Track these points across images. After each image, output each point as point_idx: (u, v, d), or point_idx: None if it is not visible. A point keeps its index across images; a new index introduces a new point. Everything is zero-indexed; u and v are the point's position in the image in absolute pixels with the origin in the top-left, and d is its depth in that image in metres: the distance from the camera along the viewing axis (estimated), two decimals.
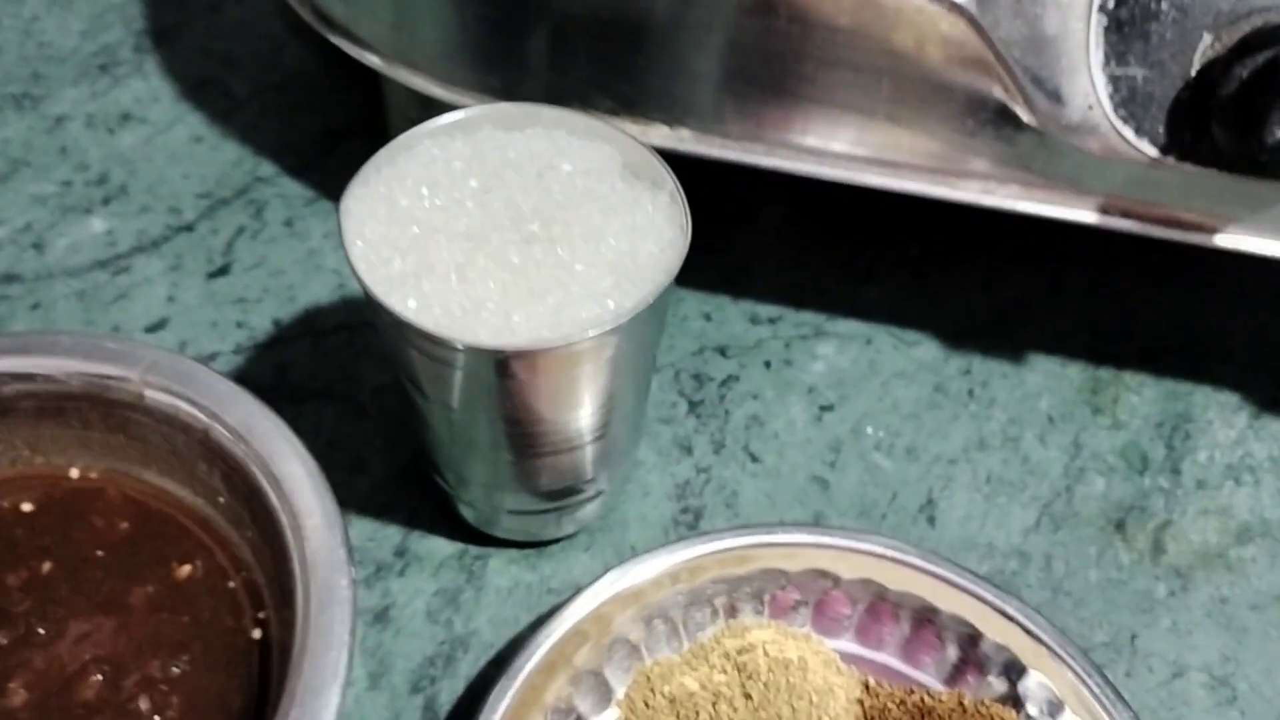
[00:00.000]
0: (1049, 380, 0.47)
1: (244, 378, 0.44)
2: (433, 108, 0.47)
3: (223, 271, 0.49)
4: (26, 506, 0.39)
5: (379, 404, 0.46)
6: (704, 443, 0.45)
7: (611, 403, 0.37)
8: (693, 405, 0.46)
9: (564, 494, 0.40)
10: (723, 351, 0.48)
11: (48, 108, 0.55)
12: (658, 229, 0.35)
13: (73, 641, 0.36)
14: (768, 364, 0.47)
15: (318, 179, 0.53)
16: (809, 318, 0.49)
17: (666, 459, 0.45)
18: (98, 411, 0.39)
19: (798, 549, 0.38)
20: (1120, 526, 0.43)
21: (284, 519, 0.36)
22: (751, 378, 0.47)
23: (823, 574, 0.39)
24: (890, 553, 0.39)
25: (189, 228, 0.51)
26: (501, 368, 0.33)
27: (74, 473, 0.40)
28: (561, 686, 0.37)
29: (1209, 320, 0.50)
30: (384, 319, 0.34)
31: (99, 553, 0.38)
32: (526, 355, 0.32)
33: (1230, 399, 0.47)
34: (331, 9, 0.45)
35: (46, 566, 0.38)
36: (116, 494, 0.40)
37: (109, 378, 0.39)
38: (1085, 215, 0.41)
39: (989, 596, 0.38)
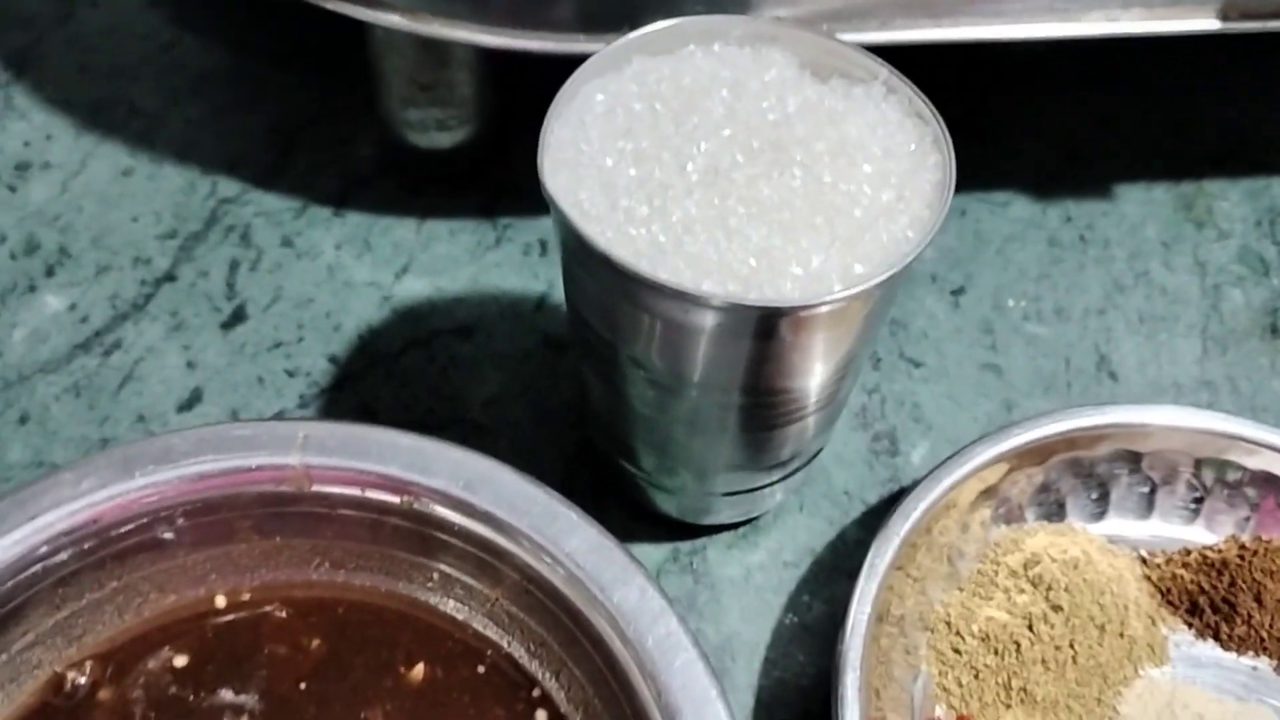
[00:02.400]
0: (1144, 208, 0.46)
1: None
2: (453, 65, 0.40)
3: (238, 318, 0.41)
4: (180, 661, 0.31)
5: (497, 417, 0.39)
6: None
7: (866, 348, 0.32)
8: None
9: (783, 465, 0.35)
10: None
11: None
12: (898, 124, 0.30)
13: None
14: None
15: (292, 183, 0.44)
16: None
17: None
18: (246, 519, 0.31)
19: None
20: (1275, 331, 0.43)
21: (556, 579, 0.30)
22: None
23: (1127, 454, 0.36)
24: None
25: (170, 277, 0.41)
26: (799, 322, 0.28)
27: (220, 601, 0.32)
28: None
29: (1256, 116, 0.49)
30: (635, 298, 0.28)
31: (301, 685, 0.31)
32: (854, 295, 0.27)
33: None
34: None
35: None
36: (286, 609, 0.32)
37: (262, 472, 0.31)
38: (1209, 24, 0.39)
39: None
